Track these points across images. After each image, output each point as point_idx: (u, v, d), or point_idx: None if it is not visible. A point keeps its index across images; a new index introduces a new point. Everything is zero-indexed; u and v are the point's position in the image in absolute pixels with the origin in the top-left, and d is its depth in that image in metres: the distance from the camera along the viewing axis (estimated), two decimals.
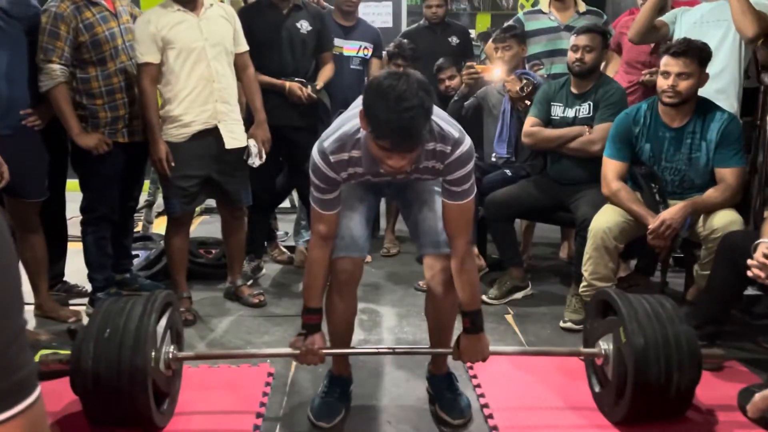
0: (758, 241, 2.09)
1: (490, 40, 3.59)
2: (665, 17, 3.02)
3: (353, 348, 2.24)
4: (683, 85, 2.52)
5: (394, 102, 1.56)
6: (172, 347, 2.01)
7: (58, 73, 2.63)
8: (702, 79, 2.56)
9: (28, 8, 2.70)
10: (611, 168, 2.71)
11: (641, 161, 2.71)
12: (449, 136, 1.81)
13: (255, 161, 2.90)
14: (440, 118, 1.83)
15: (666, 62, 2.55)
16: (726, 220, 2.48)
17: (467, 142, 1.83)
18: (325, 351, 2.01)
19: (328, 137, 1.85)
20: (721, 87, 2.82)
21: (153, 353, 1.89)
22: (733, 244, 2.32)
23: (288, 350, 2.05)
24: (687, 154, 2.62)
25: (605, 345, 2.04)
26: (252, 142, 2.89)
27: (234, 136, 2.85)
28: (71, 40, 2.65)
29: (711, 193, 2.56)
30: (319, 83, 3.24)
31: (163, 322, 1.98)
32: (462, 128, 1.86)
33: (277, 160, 3.36)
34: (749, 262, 2.05)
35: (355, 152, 1.82)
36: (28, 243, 2.78)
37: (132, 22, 2.86)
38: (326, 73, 3.31)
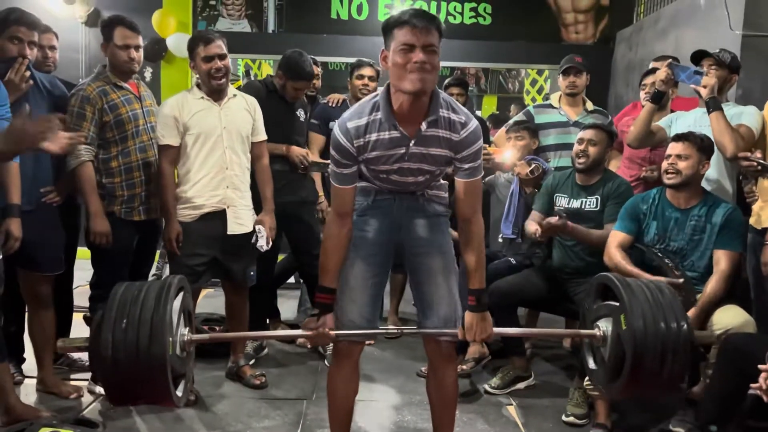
0: None
1: (504, 129, 3.71)
2: (661, 122, 3.15)
3: (364, 332, 2.15)
4: (682, 164, 2.68)
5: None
6: (186, 330, 2.03)
7: (82, 153, 2.73)
8: (702, 165, 2.70)
9: (55, 88, 2.84)
10: (614, 238, 2.83)
11: (646, 244, 2.78)
12: (459, 109, 1.98)
13: (263, 245, 2.98)
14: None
15: (669, 147, 2.75)
16: (740, 320, 2.50)
17: (474, 120, 2.00)
18: (335, 332, 2.03)
19: (348, 111, 2.03)
20: (714, 186, 2.91)
21: (170, 340, 1.88)
22: (735, 345, 2.34)
23: (301, 332, 2.11)
24: (690, 234, 2.71)
25: (604, 326, 2.08)
26: (260, 227, 2.98)
27: (240, 222, 2.94)
28: (96, 120, 2.77)
29: (710, 289, 2.59)
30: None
31: (177, 306, 1.98)
32: None
33: (278, 242, 3.44)
34: (761, 367, 2.03)
35: (373, 115, 1.94)
36: (38, 318, 2.81)
37: (154, 105, 3.01)
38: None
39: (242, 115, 2.95)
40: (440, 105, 1.93)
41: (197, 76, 2.94)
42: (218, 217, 2.89)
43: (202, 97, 2.87)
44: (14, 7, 2.69)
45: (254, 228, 2.98)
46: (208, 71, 2.81)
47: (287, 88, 3.32)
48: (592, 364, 2.20)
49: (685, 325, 1.96)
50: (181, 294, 2.03)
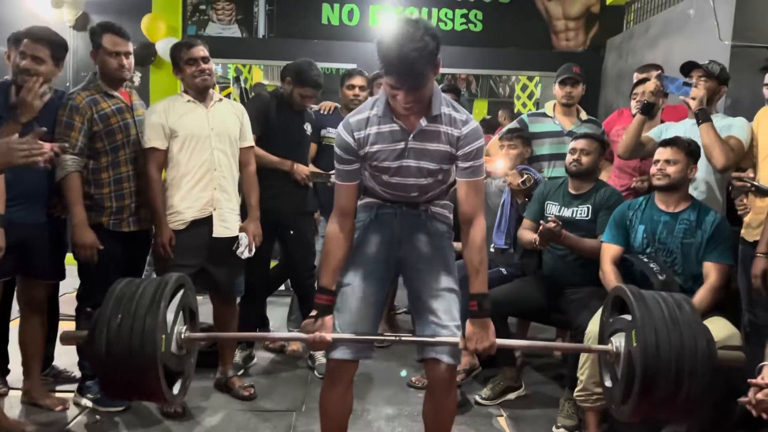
0: (762, 363, 2.06)
1: (497, 137, 3.70)
2: (651, 133, 3.16)
3: (363, 337, 2.06)
4: (670, 169, 2.70)
5: (399, 42, 1.74)
6: (184, 328, 1.97)
7: (69, 164, 2.67)
8: (690, 169, 2.72)
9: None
10: (606, 252, 2.83)
11: (635, 250, 2.77)
12: (460, 108, 2.00)
13: (244, 253, 2.96)
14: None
15: (657, 152, 2.77)
16: (725, 333, 2.50)
17: (475, 121, 2.02)
18: (333, 336, 1.98)
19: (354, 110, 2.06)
20: (705, 196, 2.93)
21: (164, 338, 1.84)
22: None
23: (298, 335, 2.07)
24: (680, 238, 2.70)
25: (617, 342, 1.96)
26: (243, 235, 2.96)
27: (225, 226, 2.91)
28: (85, 130, 2.71)
29: (697, 300, 2.59)
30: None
31: (175, 303, 1.93)
32: None
33: (270, 250, 3.42)
34: (750, 381, 2.02)
35: (375, 109, 1.97)
36: (30, 325, 2.79)
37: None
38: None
39: (230, 118, 2.94)
40: (441, 102, 1.95)
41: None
42: (205, 223, 2.87)
43: (189, 101, 2.86)
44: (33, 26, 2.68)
45: (238, 234, 2.95)
46: (192, 73, 2.81)
47: (293, 95, 3.31)
48: (608, 382, 2.08)
49: (706, 344, 1.82)
50: (181, 292, 1.98)
